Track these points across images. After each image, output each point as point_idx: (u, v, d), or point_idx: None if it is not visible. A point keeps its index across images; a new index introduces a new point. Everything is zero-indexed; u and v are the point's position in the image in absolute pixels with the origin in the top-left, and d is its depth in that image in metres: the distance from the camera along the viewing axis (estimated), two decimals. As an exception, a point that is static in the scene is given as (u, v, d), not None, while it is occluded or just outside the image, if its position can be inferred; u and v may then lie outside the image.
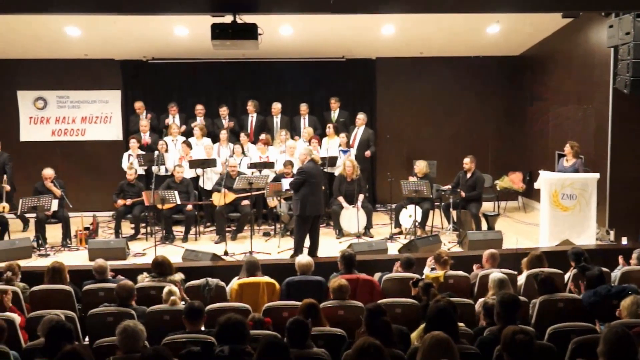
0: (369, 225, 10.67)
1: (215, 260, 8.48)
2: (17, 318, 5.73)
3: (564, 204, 9.28)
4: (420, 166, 10.89)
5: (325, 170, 11.26)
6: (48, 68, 12.59)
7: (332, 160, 11.26)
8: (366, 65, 13.06)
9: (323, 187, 10.99)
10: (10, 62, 12.46)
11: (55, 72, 12.65)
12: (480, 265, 7.25)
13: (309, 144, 11.53)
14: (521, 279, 6.92)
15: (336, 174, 11.35)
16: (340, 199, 10.70)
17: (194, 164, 11.06)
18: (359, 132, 11.99)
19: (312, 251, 8.90)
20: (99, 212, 11.64)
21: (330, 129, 11.74)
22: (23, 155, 12.63)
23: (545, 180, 9.42)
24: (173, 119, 12.09)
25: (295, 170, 10.04)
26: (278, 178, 10.63)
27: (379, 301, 5.72)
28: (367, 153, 11.90)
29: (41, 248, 9.71)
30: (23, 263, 7.93)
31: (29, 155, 12.61)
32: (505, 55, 13.14)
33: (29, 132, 12.78)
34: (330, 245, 9.94)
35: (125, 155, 11.60)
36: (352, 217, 10.46)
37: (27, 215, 9.89)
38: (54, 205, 10.07)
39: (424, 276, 6.77)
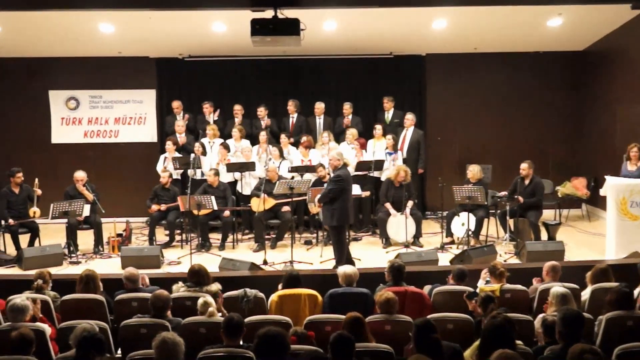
0: (418, 234, 10.61)
1: (253, 270, 8.50)
2: (47, 329, 5.81)
3: (632, 212, 9.07)
4: (474, 171, 10.78)
5: (371, 174, 11.24)
6: (80, 66, 12.86)
7: (379, 164, 11.22)
8: (415, 62, 13.00)
9: (369, 193, 11.03)
10: (42, 60, 12.77)
11: (87, 70, 12.91)
12: (540, 279, 7.13)
13: (353, 146, 11.54)
14: (585, 294, 6.77)
15: (382, 178, 11.33)
16: (388, 205, 10.66)
17: (231, 167, 11.15)
18: (408, 133, 11.94)
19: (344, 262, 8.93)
20: (132, 218, 11.82)
21: (378, 130, 11.72)
22: (54, 157, 12.93)
23: (611, 186, 9.22)
24: (208, 118, 12.22)
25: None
26: (320, 182, 10.63)
27: (429, 316, 5.67)
28: (420, 170, 11.97)
29: (72, 255, 9.89)
30: (54, 271, 8.06)
31: (60, 157, 12.90)
32: (568, 51, 12.93)
33: (60, 134, 13.07)
34: (376, 255, 9.91)
35: (161, 157, 11.75)
36: (400, 225, 10.41)
37: (59, 220, 10.06)
38: (86, 210, 10.26)
39: (477, 289, 6.69)
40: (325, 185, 9.16)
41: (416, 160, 11.95)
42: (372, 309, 6.28)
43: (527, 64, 13.02)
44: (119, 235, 10.60)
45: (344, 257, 8.79)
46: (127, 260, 9.10)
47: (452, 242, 10.57)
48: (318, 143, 11.78)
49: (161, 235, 11.15)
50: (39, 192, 10.36)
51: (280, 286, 6.79)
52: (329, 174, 10.69)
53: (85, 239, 10.47)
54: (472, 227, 10.30)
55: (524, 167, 10.38)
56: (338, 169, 8.83)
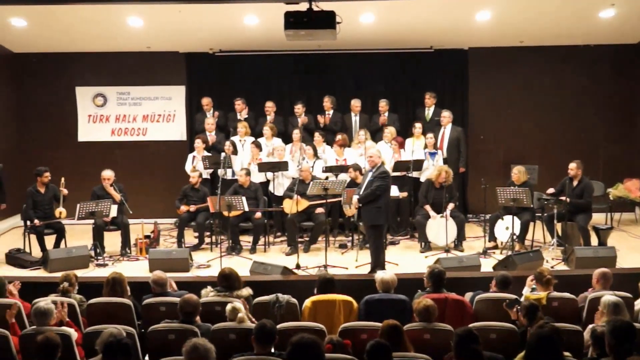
0: (459, 238, 10.56)
1: (286, 274, 8.54)
2: (73, 333, 5.89)
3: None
4: (519, 172, 10.69)
5: (410, 175, 11.21)
6: (108, 62, 13.02)
7: (418, 164, 11.17)
8: (457, 56, 12.92)
9: (406, 194, 10.99)
10: (69, 56, 12.95)
11: (115, 66, 13.07)
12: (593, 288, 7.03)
13: (391, 145, 11.53)
14: (639, 304, 6.67)
15: (422, 179, 11.29)
16: (427, 207, 10.62)
17: (263, 167, 11.19)
18: (446, 131, 11.91)
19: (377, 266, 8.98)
20: (160, 219, 11.94)
21: (417, 128, 11.67)
22: (81, 156, 13.10)
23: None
24: (240, 115, 12.29)
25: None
26: (355, 183, 10.61)
27: (471, 325, 5.64)
28: (461, 169, 11.93)
29: (99, 257, 10.00)
30: (80, 273, 8.17)
31: (87, 156, 13.08)
32: (621, 44, 12.73)
33: (87, 131, 13.24)
34: (414, 260, 9.89)
35: (190, 157, 11.84)
36: (440, 228, 10.37)
37: (85, 221, 10.19)
38: (113, 210, 10.38)
39: (522, 298, 6.63)
40: (362, 185, 9.10)
41: (457, 159, 11.90)
42: (410, 317, 6.27)
43: (577, 58, 12.85)
44: (147, 237, 10.70)
45: (382, 260, 8.78)
46: (155, 263, 9.20)
47: (496, 247, 10.48)
48: (354, 142, 11.77)
49: (190, 237, 11.23)
50: (65, 191, 10.48)
51: (315, 291, 6.81)
52: (363, 172, 10.69)
53: (112, 240, 10.59)
54: (517, 231, 10.20)
55: (573, 167, 10.25)
56: (378, 167, 8.84)
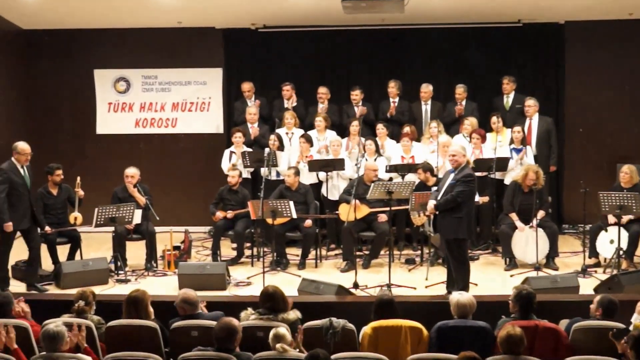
0: (552, 253, 10.43)
1: (341, 295, 8.55)
2: (89, 361, 6.00)
3: None
4: (629, 172, 10.50)
5: (492, 176, 11.12)
6: (132, 40, 13.21)
7: (502, 163, 11.08)
8: (551, 32, 12.79)
9: (487, 199, 10.90)
10: (86, 33, 13.16)
11: (140, 45, 13.25)
12: None
13: (470, 139, 11.45)
14: None
15: (506, 181, 11.19)
16: (513, 216, 10.53)
17: (314, 165, 11.20)
18: (533, 123, 11.82)
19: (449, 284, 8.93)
20: (192, 227, 12.03)
21: (498, 120, 11.57)
22: (99, 151, 13.30)
23: None
24: (287, 104, 12.35)
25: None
26: (424, 186, 10.58)
27: (568, 359, 5.55)
28: (552, 168, 11.85)
29: (120, 272, 10.12)
30: (98, 290, 8.28)
31: (106, 151, 13.30)
32: None
33: (107, 123, 13.46)
34: (497, 280, 9.84)
35: (227, 152, 11.91)
36: (528, 241, 10.26)
37: (104, 229, 10.33)
38: (137, 216, 10.47)
39: (631, 327, 6.52)
40: (440, 189, 9.02)
41: (547, 156, 11.80)
42: (492, 348, 6.24)
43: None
44: (176, 248, 10.81)
45: (468, 280, 8.78)
46: (186, 280, 9.29)
47: (598, 265, 10.36)
48: (424, 135, 11.73)
49: (227, 249, 11.32)
50: (82, 193, 10.57)
51: (372, 315, 6.80)
52: (436, 175, 10.63)
53: (136, 252, 10.73)
54: (624, 245, 10.04)
55: (626, 170, 10.16)
56: (462, 167, 8.78)
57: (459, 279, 8.72)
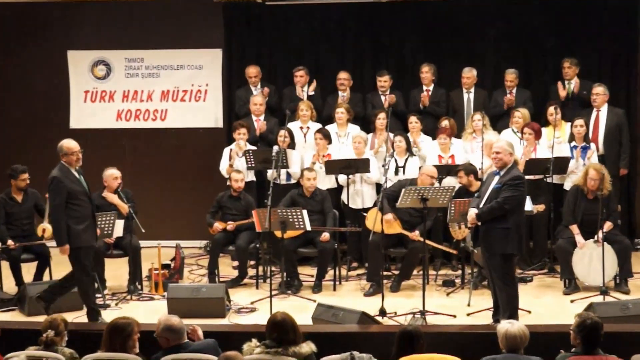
0: (623, 274, 10.37)
1: (365, 324, 8.49)
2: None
3: None
4: None
5: (548, 180, 11.08)
6: (113, 15, 13.22)
7: (561, 164, 11.02)
8: (623, 7, 12.70)
9: (543, 207, 10.80)
10: (59, 6, 13.17)
11: (123, 21, 13.26)
12: None
13: (521, 135, 11.38)
14: None
15: (566, 186, 11.15)
16: (574, 228, 10.47)
17: (333, 166, 11.19)
18: (601, 115, 11.75)
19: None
20: (184, 242, 11.99)
21: (556, 111, 11.48)
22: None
23: None
24: (301, 92, 12.33)
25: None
26: (466, 191, 10.55)
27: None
28: (622, 171, 11.76)
29: (98, 295, 10.00)
30: (70, 317, 8.25)
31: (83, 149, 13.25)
32: None
33: (83, 115, 13.47)
34: (555, 306, 9.83)
35: (227, 151, 11.88)
36: (592, 258, 10.22)
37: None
38: (118, 228, 10.47)
39: None
40: (483, 195, 8.95)
41: (617, 156, 11.73)
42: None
43: None
44: (166, 266, 10.79)
45: (517, 306, 8.72)
46: (177, 305, 9.26)
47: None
48: (465, 130, 11.71)
49: (227, 267, 11.33)
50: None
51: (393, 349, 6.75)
52: (480, 178, 10.55)
53: (117, 271, 10.74)
54: None
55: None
56: (509, 168, 8.72)
57: (505, 304, 8.67)
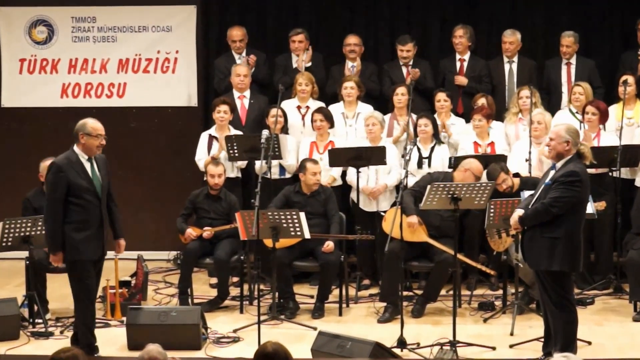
0: None
1: (380, 357, 8.47)
2: None
3: None
4: None
5: (614, 173, 11.10)
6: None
7: (632, 153, 11.04)
8: None
9: (604, 204, 10.67)
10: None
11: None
12: None
13: (583, 117, 11.34)
14: None
15: (638, 182, 11.20)
16: (647, 236, 10.51)
17: (338, 156, 11.21)
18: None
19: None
20: (148, 253, 12.03)
21: (628, 85, 11.39)
22: (5, 135, 13.32)
23: None
24: (298, 61, 12.36)
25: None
26: (510, 191, 10.57)
27: None
28: None
29: (38, 320, 10.07)
30: (3, 349, 8.44)
31: (16, 135, 13.31)
32: None
33: (17, 90, 13.49)
34: (623, 334, 9.84)
35: (204, 137, 11.94)
36: (673, 276, 10.26)
37: (13, 253, 10.32)
38: (64, 235, 10.48)
39: None
40: (535, 193, 8.93)
41: None
42: None
43: None
44: (125, 284, 10.83)
45: (574, 336, 8.68)
46: (139, 333, 9.26)
47: None
48: (510, 110, 11.76)
49: (204, 285, 11.39)
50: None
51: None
52: (518, 174, 10.56)
53: (62, 289, 10.69)
54: None
55: None
56: (567, 161, 8.70)
57: (558, 332, 8.61)
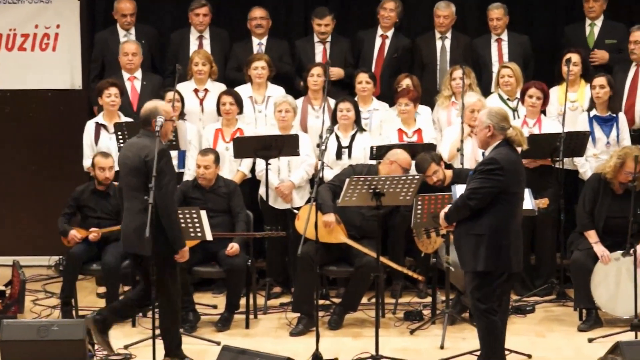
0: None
1: (292, 378, 8.43)
2: None
3: None
4: None
5: (557, 164, 11.12)
6: None
7: (577, 141, 11.13)
8: None
9: (546, 201, 10.76)
10: None
11: None
12: None
13: (522, 99, 11.41)
14: None
15: (583, 173, 11.33)
16: (593, 235, 10.60)
17: (245, 146, 11.16)
18: (640, 73, 11.88)
19: None
20: (24, 258, 11.93)
21: (573, 65, 11.50)
22: None
23: None
24: (194, 37, 12.40)
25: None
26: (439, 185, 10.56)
27: None
28: None
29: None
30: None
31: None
32: None
33: None
34: (566, 346, 9.97)
35: (90, 126, 11.80)
36: (620, 279, 10.37)
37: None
38: None
39: None
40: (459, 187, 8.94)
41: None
42: None
43: None
44: (-1, 294, 10.67)
45: (499, 347, 8.66)
46: (14, 349, 9.08)
47: None
48: (441, 93, 11.79)
49: (91, 295, 11.29)
50: None
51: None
52: (451, 166, 10.56)
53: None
54: None
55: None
56: (496, 147, 8.59)
57: (482, 345, 8.67)
